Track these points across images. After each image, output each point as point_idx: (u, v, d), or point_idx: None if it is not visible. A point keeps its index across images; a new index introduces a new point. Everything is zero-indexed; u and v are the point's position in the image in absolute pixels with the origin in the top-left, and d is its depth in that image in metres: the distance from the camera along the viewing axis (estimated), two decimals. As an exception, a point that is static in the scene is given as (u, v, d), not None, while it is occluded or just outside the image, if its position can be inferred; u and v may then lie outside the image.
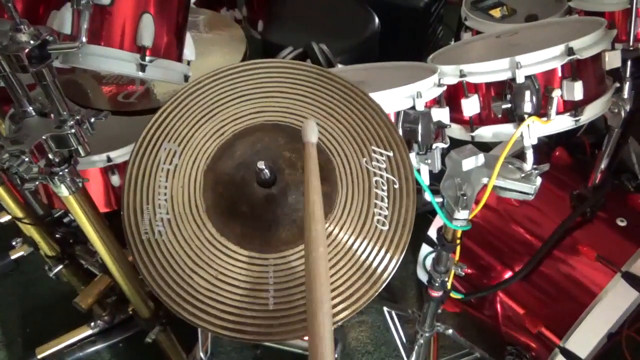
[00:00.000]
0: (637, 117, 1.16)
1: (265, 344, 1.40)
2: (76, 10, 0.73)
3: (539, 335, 1.20)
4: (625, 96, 1.01)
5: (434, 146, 0.87)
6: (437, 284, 1.00)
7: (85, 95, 1.14)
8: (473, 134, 0.93)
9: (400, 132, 0.84)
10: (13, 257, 1.68)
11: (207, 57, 1.27)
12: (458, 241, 0.90)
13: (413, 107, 0.84)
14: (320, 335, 0.45)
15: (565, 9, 1.20)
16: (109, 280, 1.23)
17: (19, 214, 1.16)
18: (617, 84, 0.97)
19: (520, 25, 1.21)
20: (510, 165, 0.80)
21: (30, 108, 0.72)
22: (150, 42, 0.82)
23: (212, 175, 0.66)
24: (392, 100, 0.83)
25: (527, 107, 0.84)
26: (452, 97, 0.92)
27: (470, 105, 0.90)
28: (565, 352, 1.13)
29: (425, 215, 1.42)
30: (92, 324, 1.45)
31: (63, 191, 0.79)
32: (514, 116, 0.87)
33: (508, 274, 1.28)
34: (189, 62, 0.96)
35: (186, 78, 0.93)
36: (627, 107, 1.01)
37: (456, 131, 0.96)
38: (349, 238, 0.63)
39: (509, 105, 0.86)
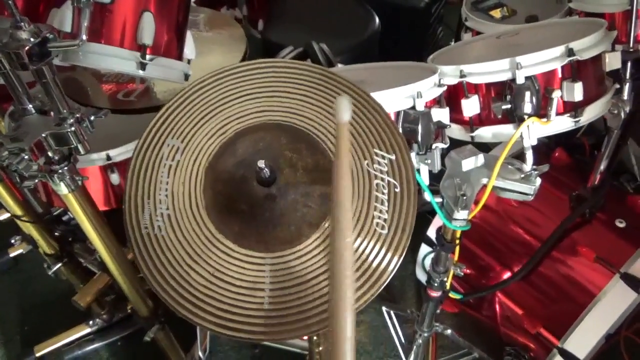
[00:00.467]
0: (636, 118, 1.16)
1: (263, 343, 1.40)
2: (76, 8, 0.74)
3: (538, 335, 1.20)
4: (625, 97, 1.01)
5: (433, 146, 0.87)
6: (436, 284, 1.00)
7: (85, 93, 1.14)
8: (473, 134, 0.93)
9: (400, 132, 0.84)
10: (12, 254, 1.68)
11: (208, 56, 1.27)
12: (457, 241, 0.89)
13: (413, 107, 0.84)
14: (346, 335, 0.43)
15: (566, 10, 1.19)
16: (107, 279, 1.23)
17: (18, 212, 1.15)
18: (617, 85, 0.97)
19: (520, 26, 1.21)
20: (509, 166, 0.80)
21: (30, 106, 0.72)
22: (151, 40, 0.82)
23: (213, 172, 0.66)
24: (392, 100, 0.83)
25: (527, 107, 0.84)
26: (452, 97, 0.92)
27: (470, 106, 0.90)
28: (563, 352, 1.13)
29: (424, 215, 1.42)
30: (91, 322, 1.45)
31: (62, 189, 0.79)
32: (514, 117, 0.87)
33: (507, 275, 1.28)
34: (189, 61, 0.96)
35: (186, 77, 0.93)
36: (627, 109, 1.01)
37: (456, 131, 0.96)
38: (348, 238, 0.62)
39: (509, 106, 0.86)
